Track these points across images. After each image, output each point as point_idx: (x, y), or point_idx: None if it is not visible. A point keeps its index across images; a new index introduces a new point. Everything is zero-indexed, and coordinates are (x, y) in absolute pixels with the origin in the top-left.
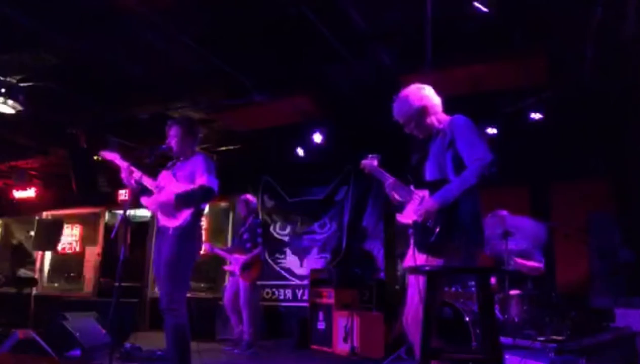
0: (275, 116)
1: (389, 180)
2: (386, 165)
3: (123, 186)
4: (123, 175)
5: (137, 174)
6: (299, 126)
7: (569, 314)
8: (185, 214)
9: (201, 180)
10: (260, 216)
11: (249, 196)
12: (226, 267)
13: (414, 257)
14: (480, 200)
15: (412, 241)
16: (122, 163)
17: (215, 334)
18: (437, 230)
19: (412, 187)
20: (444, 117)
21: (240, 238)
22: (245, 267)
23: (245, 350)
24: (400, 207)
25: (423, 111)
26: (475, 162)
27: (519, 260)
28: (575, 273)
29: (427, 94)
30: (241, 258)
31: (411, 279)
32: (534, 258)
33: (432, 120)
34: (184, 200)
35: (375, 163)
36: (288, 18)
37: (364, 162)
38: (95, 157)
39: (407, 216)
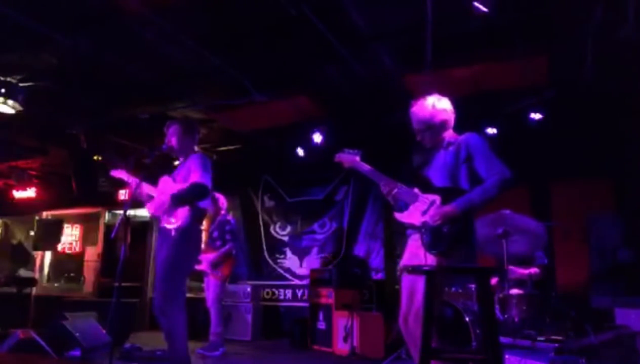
0: (275, 116)
1: (386, 182)
2: (386, 164)
3: (123, 186)
4: (137, 192)
5: (145, 187)
6: (299, 126)
7: (569, 314)
8: (183, 215)
9: (194, 177)
10: (231, 214)
11: (218, 194)
12: (197, 266)
13: (425, 258)
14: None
15: (416, 241)
16: (132, 180)
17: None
18: (450, 235)
19: (416, 190)
20: (453, 133)
21: (210, 237)
22: (215, 265)
23: (211, 351)
24: (401, 206)
25: (444, 124)
26: (496, 175)
27: (518, 270)
28: (575, 273)
29: (450, 109)
30: (211, 256)
31: (404, 279)
32: (534, 260)
33: (446, 134)
34: (178, 199)
35: (358, 158)
36: (288, 18)
37: (341, 155)
38: (95, 157)
39: (411, 217)
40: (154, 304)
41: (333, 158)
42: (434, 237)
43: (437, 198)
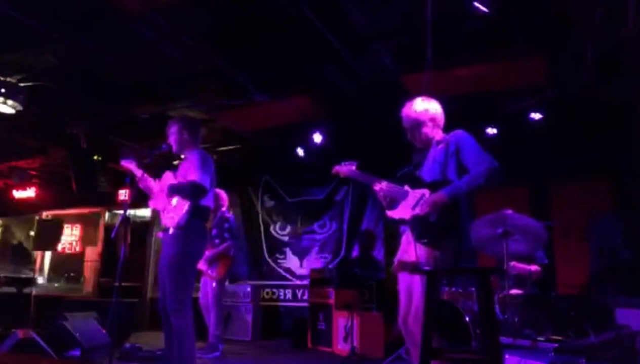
0: (275, 116)
1: (379, 182)
2: (386, 164)
3: (123, 186)
4: (140, 184)
5: (148, 180)
6: (299, 126)
7: (569, 314)
8: (181, 210)
9: (192, 176)
10: (231, 212)
11: (219, 190)
12: None
13: (415, 249)
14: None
15: (407, 236)
16: (138, 172)
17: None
18: (438, 225)
19: (406, 187)
20: (442, 133)
21: (209, 235)
22: (210, 262)
23: (210, 353)
24: (392, 204)
25: (431, 123)
26: (483, 164)
27: (519, 265)
28: (575, 273)
29: (438, 108)
30: (207, 253)
31: (401, 279)
32: (535, 259)
33: (436, 133)
34: (175, 189)
35: (354, 167)
36: (288, 18)
37: (338, 168)
38: (95, 157)
39: (401, 213)
40: (163, 306)
41: (333, 159)
42: (422, 227)
43: (426, 192)
